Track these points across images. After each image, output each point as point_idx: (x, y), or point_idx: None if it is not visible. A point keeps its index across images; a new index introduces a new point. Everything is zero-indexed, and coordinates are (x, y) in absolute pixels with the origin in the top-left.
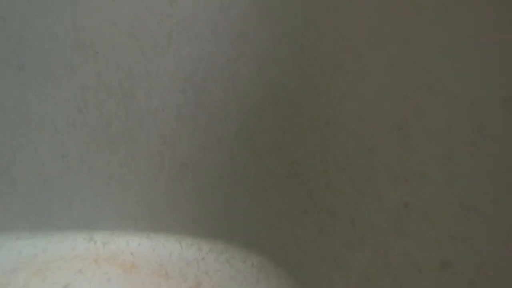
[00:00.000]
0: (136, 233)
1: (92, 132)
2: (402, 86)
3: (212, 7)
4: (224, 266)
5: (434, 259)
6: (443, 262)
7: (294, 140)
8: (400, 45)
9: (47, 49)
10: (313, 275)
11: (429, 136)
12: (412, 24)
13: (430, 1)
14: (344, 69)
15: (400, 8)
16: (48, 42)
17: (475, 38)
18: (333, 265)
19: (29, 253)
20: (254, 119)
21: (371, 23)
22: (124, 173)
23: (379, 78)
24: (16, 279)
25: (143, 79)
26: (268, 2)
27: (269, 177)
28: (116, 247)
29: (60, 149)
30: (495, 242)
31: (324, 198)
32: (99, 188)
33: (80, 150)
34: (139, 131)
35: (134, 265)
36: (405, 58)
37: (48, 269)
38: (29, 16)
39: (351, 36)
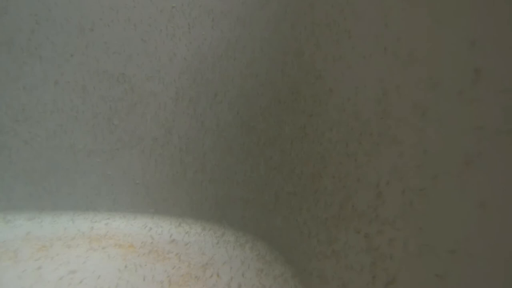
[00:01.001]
0: (135, 215)
1: (93, 115)
2: (384, 66)
3: None
4: (220, 249)
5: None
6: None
7: (290, 124)
8: (382, 28)
9: (48, 35)
10: (304, 258)
11: (407, 107)
12: (394, 7)
13: None
14: (337, 54)
15: None
16: (49, 28)
17: (451, 17)
18: (322, 248)
19: (35, 231)
20: (251, 104)
21: (360, 9)
22: (125, 157)
23: (367, 61)
24: (22, 253)
25: (143, 64)
26: None
27: (265, 161)
28: (116, 227)
29: (63, 133)
30: (470, 216)
31: (315, 182)
32: (100, 171)
33: (82, 134)
34: (139, 116)
35: (132, 245)
36: (388, 41)
37: (52, 246)
38: (30, 2)
39: (343, 22)
